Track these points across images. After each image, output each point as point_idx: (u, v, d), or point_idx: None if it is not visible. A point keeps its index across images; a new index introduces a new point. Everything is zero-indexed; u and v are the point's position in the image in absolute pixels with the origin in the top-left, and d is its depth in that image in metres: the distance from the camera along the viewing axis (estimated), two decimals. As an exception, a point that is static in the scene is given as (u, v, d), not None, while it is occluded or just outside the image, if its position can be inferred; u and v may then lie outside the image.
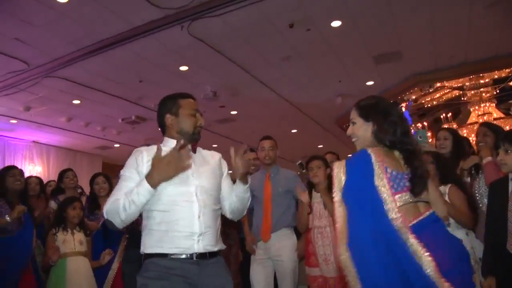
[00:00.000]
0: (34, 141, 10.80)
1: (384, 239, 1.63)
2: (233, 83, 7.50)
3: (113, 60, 6.27)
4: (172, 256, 2.02)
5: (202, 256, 2.05)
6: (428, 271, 1.55)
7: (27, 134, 10.21)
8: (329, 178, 3.55)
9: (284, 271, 3.66)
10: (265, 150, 3.85)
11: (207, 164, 2.29)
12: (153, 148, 2.13)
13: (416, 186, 1.78)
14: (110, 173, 6.04)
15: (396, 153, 1.87)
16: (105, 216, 2.05)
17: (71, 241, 3.62)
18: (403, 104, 9.12)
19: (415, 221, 1.71)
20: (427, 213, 1.79)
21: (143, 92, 7.66)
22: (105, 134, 10.21)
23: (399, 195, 1.75)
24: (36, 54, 6.04)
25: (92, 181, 4.31)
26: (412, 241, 1.59)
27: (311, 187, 3.63)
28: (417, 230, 1.65)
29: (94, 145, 11.14)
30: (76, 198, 3.88)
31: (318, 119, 10.16)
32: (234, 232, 4.58)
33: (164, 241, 2.04)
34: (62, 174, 4.73)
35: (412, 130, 10.26)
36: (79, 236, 3.70)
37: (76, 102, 8.01)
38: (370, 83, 8.05)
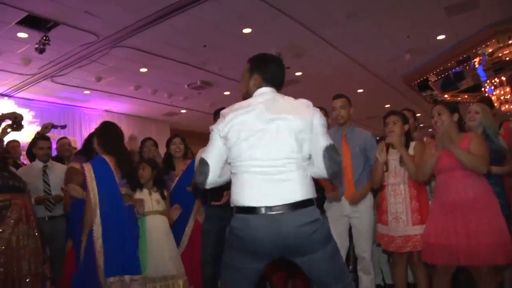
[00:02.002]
0: (106, 110, 11.29)
1: None
2: (297, 43, 7.33)
3: (177, 26, 6.30)
4: None
5: None
6: None
7: (100, 104, 10.68)
8: (406, 135, 3.43)
9: (361, 229, 3.62)
10: (337, 109, 3.74)
11: None
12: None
13: None
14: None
15: None
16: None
17: (148, 201, 3.77)
18: (477, 59, 8.54)
19: None
20: None
21: (207, 57, 7.69)
22: (171, 101, 10.44)
23: None
24: (104, 25, 6.21)
25: (169, 142, 4.41)
26: None
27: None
28: None
29: (161, 111, 11.45)
30: (146, 159, 4.01)
31: (385, 77, 9.77)
32: None
33: None
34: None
35: (488, 86, 9.69)
36: (156, 195, 3.84)
37: (143, 70, 8.21)
38: (441, 37, 7.56)
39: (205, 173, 2.11)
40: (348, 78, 9.38)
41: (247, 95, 2.34)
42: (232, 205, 2.13)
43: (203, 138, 4.41)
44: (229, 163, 2.17)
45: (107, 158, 3.53)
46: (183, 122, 12.23)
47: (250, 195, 2.04)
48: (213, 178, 2.13)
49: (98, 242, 3.33)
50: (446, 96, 10.83)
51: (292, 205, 1.99)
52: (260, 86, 2.28)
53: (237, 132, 2.08)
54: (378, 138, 4.80)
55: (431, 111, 3.26)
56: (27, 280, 3.41)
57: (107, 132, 3.67)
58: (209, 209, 3.60)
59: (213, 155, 2.15)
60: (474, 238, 2.85)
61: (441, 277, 3.10)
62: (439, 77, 9.58)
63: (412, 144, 3.41)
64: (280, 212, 1.98)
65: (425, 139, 3.57)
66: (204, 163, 2.13)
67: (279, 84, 2.35)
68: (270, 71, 2.33)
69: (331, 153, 2.07)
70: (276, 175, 2.04)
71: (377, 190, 3.78)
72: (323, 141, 2.09)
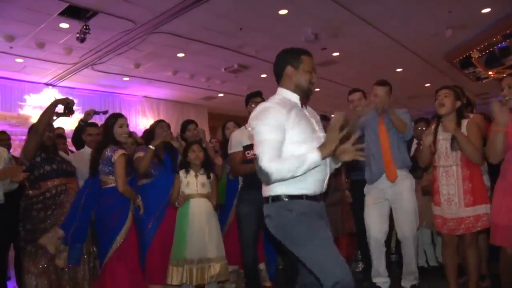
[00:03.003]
0: (145, 96, 11.48)
1: None
2: (334, 23, 7.18)
3: (213, 9, 6.30)
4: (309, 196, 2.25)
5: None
6: None
7: (139, 90, 10.87)
8: (458, 113, 3.27)
9: (403, 212, 3.59)
10: (378, 97, 3.67)
11: (316, 118, 2.48)
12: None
13: None
14: (216, 122, 6.27)
15: None
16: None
17: (194, 184, 3.81)
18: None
19: None
20: None
21: (244, 40, 7.67)
22: (209, 85, 10.50)
23: None
24: (142, 11, 6.27)
25: (223, 127, 4.54)
26: None
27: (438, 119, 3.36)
28: None
29: (199, 96, 11.53)
30: (196, 141, 4.02)
31: (425, 55, 9.44)
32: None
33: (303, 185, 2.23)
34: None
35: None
36: (202, 178, 3.85)
37: (181, 55, 8.28)
38: (486, 10, 7.19)
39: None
40: (386, 57, 9.14)
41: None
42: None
43: (240, 121, 4.48)
44: None
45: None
46: (221, 106, 12.27)
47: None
48: None
49: None
50: (490, 73, 10.40)
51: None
52: None
53: None
54: (419, 118, 4.70)
55: (501, 83, 3.06)
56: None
57: None
58: (248, 194, 3.63)
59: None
60: None
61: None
62: (483, 53, 9.20)
63: (465, 122, 3.23)
64: None
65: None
66: None
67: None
68: None
69: None
70: None
71: (424, 170, 3.71)
72: None
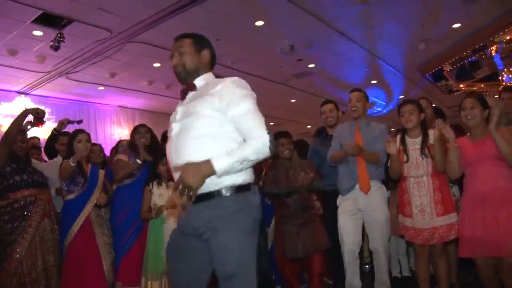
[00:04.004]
0: (120, 106, 11.36)
1: None
2: (310, 35, 7.29)
3: (190, 20, 6.30)
4: None
5: None
6: None
7: (114, 100, 10.75)
8: (423, 124, 3.40)
9: (375, 223, 3.62)
10: (352, 101, 3.78)
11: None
12: None
13: None
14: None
15: None
16: None
17: (166, 195, 3.76)
18: (493, 47, 8.40)
19: None
20: None
21: (220, 51, 7.63)
22: (185, 95, 10.42)
23: None
24: (118, 21, 6.23)
25: None
26: None
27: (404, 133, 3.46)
28: None
29: (175, 106, 11.41)
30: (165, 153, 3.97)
31: (399, 68, 9.67)
32: None
33: None
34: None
35: (505, 75, 9.52)
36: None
37: (157, 65, 8.24)
38: (457, 25, 7.44)
39: None
40: (361, 69, 9.31)
41: None
42: None
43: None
44: None
45: None
46: (197, 116, 12.20)
47: None
48: None
49: None
50: (461, 85, 10.69)
51: None
52: None
53: None
54: (393, 129, 4.78)
55: (462, 103, 3.19)
56: (53, 270, 3.57)
57: None
58: None
59: None
60: (503, 228, 2.87)
61: (484, 272, 3.06)
62: (455, 67, 9.46)
63: (431, 132, 3.34)
64: None
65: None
66: None
67: None
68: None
69: None
70: None
71: (395, 182, 3.76)
72: None
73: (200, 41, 2.33)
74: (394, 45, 8.08)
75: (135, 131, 4.19)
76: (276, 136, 3.52)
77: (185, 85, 2.27)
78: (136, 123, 11.25)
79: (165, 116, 12.12)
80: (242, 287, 1.92)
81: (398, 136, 3.49)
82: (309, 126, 13.19)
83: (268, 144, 1.95)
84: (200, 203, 1.97)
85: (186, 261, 2.08)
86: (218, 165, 1.88)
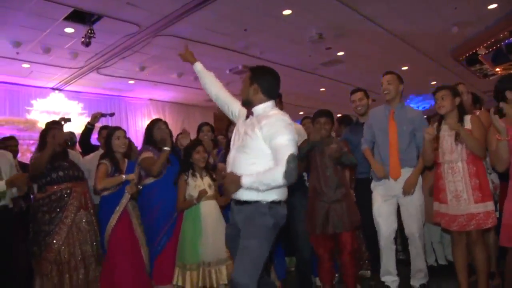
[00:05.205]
0: (150, 99, 11.52)
1: None
2: (338, 22, 7.16)
3: (217, 11, 6.31)
4: None
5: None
6: None
7: (144, 93, 10.91)
8: (460, 109, 3.31)
9: (411, 209, 3.58)
10: (384, 85, 3.71)
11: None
12: None
13: None
14: (222, 124, 6.25)
15: None
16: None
17: (202, 186, 3.74)
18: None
19: None
20: None
21: (248, 41, 7.67)
22: (214, 87, 10.46)
23: None
24: (146, 15, 6.29)
25: (227, 129, 4.59)
26: None
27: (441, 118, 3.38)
28: None
29: (204, 97, 11.48)
30: (199, 142, 3.97)
31: (431, 53, 9.40)
32: None
33: None
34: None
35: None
36: (207, 180, 3.81)
37: (186, 57, 8.25)
38: (492, 6, 7.12)
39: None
40: (392, 55, 9.11)
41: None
42: None
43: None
44: None
45: None
46: (226, 107, 12.24)
47: None
48: None
49: None
50: (498, 69, 10.35)
51: None
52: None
53: None
54: (425, 117, 4.67)
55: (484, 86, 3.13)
56: (91, 260, 3.71)
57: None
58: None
59: None
60: None
61: None
62: (490, 50, 9.15)
63: (467, 118, 3.26)
64: None
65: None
66: None
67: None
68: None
69: None
70: None
71: (428, 169, 3.68)
72: None
73: (255, 75, 2.68)
74: (426, 30, 7.84)
75: (154, 125, 4.16)
76: (316, 114, 3.60)
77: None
78: (167, 116, 11.54)
79: (195, 108, 12.27)
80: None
81: (436, 123, 3.41)
82: (339, 115, 13.07)
83: (281, 176, 2.37)
84: (241, 206, 2.57)
85: (236, 243, 2.57)
86: (244, 181, 2.45)
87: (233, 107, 2.90)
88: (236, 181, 2.47)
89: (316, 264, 3.75)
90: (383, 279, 3.71)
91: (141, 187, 3.87)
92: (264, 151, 2.50)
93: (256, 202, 2.51)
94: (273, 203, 2.52)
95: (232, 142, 2.73)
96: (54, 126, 3.93)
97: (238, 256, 2.47)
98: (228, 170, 2.62)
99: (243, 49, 8.07)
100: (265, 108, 2.61)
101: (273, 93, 2.67)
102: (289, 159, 2.37)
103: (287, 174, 2.36)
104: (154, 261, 3.78)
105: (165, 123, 4.17)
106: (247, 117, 2.67)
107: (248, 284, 2.37)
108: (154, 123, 4.14)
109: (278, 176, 2.38)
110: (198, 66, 3.09)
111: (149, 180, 3.91)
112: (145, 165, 3.86)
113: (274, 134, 2.45)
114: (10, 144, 4.84)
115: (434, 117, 3.83)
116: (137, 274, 3.62)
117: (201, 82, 3.07)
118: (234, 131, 2.75)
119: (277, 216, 2.53)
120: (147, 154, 3.91)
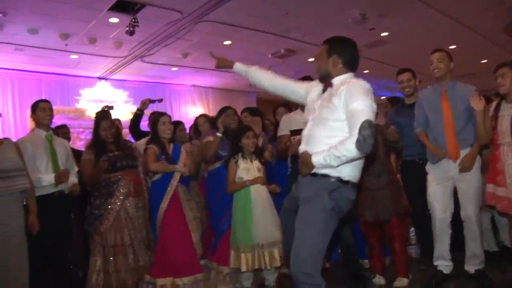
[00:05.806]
0: (194, 85, 11.64)
1: None
2: (382, 2, 6.95)
3: (258, -5, 6.26)
4: None
5: None
6: None
7: (187, 79, 11.04)
8: None
9: (469, 189, 3.42)
10: (434, 63, 3.53)
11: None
12: None
13: None
14: (265, 108, 6.24)
15: None
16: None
17: (252, 169, 3.77)
18: None
19: None
20: None
21: (290, 24, 7.57)
22: (256, 71, 10.45)
23: None
24: (188, 2, 6.32)
25: (274, 112, 4.76)
26: None
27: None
28: None
29: (247, 83, 11.41)
30: (249, 127, 3.97)
31: (481, 30, 8.96)
32: None
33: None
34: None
35: None
36: (257, 163, 3.82)
37: (227, 42, 8.29)
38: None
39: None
40: (438, 35, 8.73)
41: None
42: None
43: (291, 106, 4.45)
44: None
45: None
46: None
47: None
48: None
49: None
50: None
51: None
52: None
53: None
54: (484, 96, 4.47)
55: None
56: (141, 245, 3.83)
57: None
58: None
59: None
60: None
61: None
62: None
63: None
64: None
65: None
66: None
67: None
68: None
69: None
70: None
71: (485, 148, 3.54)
72: None
73: (332, 46, 2.50)
74: (475, 5, 7.46)
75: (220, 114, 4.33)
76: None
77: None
78: (210, 101, 11.64)
79: (238, 93, 12.29)
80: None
81: (495, 102, 3.25)
82: (382, 97, 12.81)
83: (354, 145, 2.14)
84: (305, 178, 2.40)
85: (290, 219, 2.47)
86: (315, 160, 2.28)
87: (297, 89, 2.72)
88: (307, 162, 2.29)
89: (364, 246, 3.71)
90: (436, 263, 3.58)
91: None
92: (343, 122, 2.29)
93: (323, 176, 2.31)
94: (340, 181, 2.30)
95: (308, 119, 2.53)
96: (102, 116, 4.04)
97: (295, 242, 2.29)
98: (302, 146, 2.45)
99: (285, 32, 7.97)
100: (345, 78, 2.42)
101: (354, 65, 2.49)
102: (364, 125, 2.10)
103: (359, 144, 2.11)
104: (218, 243, 3.91)
105: (232, 111, 4.34)
106: (324, 90, 2.48)
107: (311, 274, 2.20)
108: (220, 112, 4.38)
109: (350, 146, 2.14)
110: (238, 67, 2.94)
111: (217, 165, 4.08)
112: (204, 148, 4.07)
113: (350, 98, 2.24)
114: (62, 131, 5.05)
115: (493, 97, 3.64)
116: (189, 258, 3.70)
117: (250, 82, 2.93)
118: (306, 110, 2.59)
119: (339, 199, 2.31)
120: (208, 138, 4.13)
